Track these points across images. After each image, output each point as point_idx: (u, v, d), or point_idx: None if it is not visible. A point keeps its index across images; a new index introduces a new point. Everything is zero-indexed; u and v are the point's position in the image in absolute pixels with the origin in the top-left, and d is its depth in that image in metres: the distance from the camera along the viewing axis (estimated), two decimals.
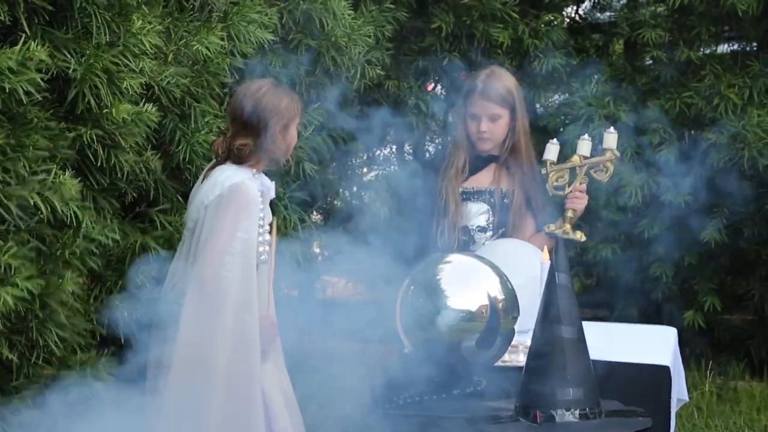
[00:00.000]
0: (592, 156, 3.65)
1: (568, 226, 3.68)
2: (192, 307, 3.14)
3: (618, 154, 3.63)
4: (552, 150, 3.69)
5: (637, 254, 5.52)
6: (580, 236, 3.68)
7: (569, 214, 3.70)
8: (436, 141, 5.86)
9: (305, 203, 4.37)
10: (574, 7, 6.26)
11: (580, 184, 3.67)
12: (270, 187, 3.33)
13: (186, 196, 3.66)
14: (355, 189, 5.55)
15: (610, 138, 3.63)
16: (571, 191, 3.67)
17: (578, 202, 3.70)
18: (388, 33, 4.96)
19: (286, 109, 3.27)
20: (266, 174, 3.35)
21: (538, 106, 5.79)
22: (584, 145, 3.67)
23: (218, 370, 3.14)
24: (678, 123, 5.44)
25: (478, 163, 3.98)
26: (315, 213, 5.10)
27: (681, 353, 3.80)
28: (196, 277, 3.14)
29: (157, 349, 3.20)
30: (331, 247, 5.04)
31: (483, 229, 3.94)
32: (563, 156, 3.73)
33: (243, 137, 3.23)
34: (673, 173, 5.25)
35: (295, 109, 3.31)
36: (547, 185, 3.68)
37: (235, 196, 3.18)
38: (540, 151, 3.77)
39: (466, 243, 3.95)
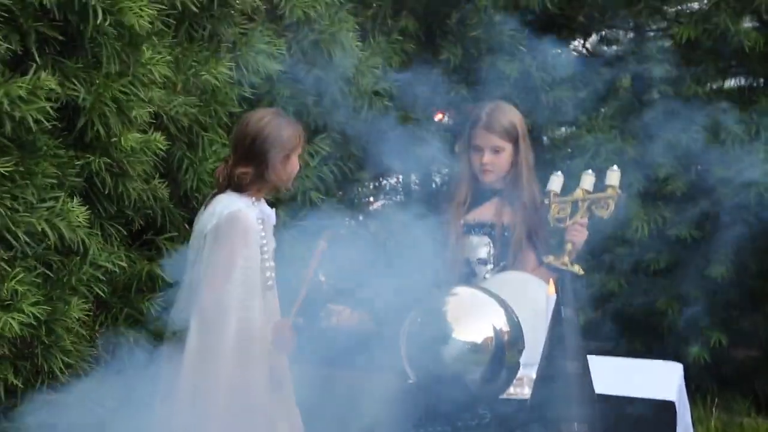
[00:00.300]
0: (595, 191, 3.67)
1: (566, 259, 3.69)
2: (194, 336, 3.14)
3: (620, 192, 3.65)
4: (555, 181, 3.71)
5: (643, 288, 5.51)
6: (578, 269, 3.68)
7: (568, 246, 3.71)
8: (443, 172, 5.87)
9: (310, 232, 4.38)
10: (581, 41, 6.29)
11: (582, 217, 3.68)
12: (270, 214, 3.34)
13: (192, 224, 3.68)
14: (361, 218, 5.55)
15: (613, 175, 3.65)
16: (571, 224, 3.69)
17: (578, 236, 3.71)
18: (395, 64, 4.98)
19: (288, 140, 3.30)
20: (267, 201, 3.37)
21: (544, 138, 5.80)
22: (587, 180, 3.69)
23: (219, 400, 3.14)
24: (684, 157, 5.44)
25: (480, 196, 3.99)
26: (322, 242, 5.10)
27: (686, 388, 3.78)
28: (197, 306, 3.15)
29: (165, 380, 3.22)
30: (336, 276, 5.03)
31: (484, 262, 3.94)
32: (567, 189, 3.74)
33: (244, 166, 3.25)
34: (679, 207, 5.25)
35: (296, 140, 3.33)
36: (549, 216, 3.70)
37: (233, 224, 3.19)
38: (545, 184, 3.79)
39: (467, 275, 3.95)
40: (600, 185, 3.72)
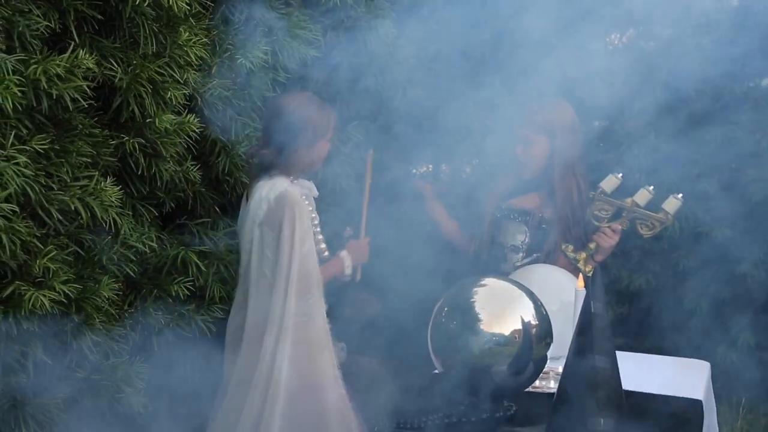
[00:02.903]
0: (648, 208, 3.67)
1: (583, 255, 3.69)
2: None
3: (672, 220, 3.64)
4: (611, 181, 3.71)
5: (672, 286, 5.47)
6: (589, 270, 3.68)
7: (591, 245, 3.71)
8: (474, 162, 5.84)
9: (339, 217, 4.38)
10: (619, 35, 6.22)
11: (618, 224, 3.69)
12: (311, 186, 3.44)
13: (224, 208, 3.70)
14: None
15: (674, 203, 3.65)
16: (604, 227, 3.69)
17: (604, 239, 3.71)
18: (430, 53, 4.96)
19: (316, 124, 3.36)
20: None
21: None
22: (643, 195, 3.69)
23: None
24: (718, 155, 5.39)
25: (527, 185, 4.00)
26: (349, 228, 5.10)
27: (712, 388, 3.76)
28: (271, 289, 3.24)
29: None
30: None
31: (517, 249, 3.95)
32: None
33: (268, 148, 3.35)
34: (711, 205, 5.21)
35: (324, 124, 3.39)
36: (588, 210, 3.70)
37: (282, 205, 3.28)
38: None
39: (497, 259, 3.96)
40: (655, 204, 3.69)
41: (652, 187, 3.72)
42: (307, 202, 3.39)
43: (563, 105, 4.01)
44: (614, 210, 3.71)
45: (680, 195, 3.70)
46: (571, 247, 3.74)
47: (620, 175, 3.74)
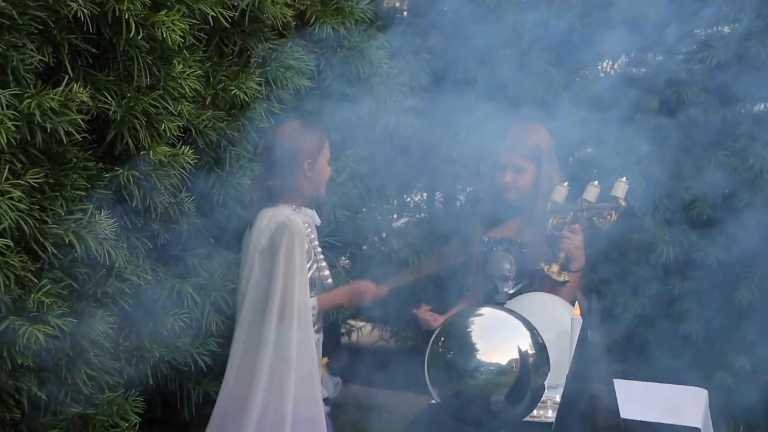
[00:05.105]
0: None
1: (555, 267, 3.70)
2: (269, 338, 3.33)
3: (624, 204, 3.64)
4: (560, 192, 3.73)
5: (667, 312, 5.46)
6: (563, 277, 3.68)
7: (561, 255, 3.71)
8: (468, 189, 5.86)
9: (335, 248, 4.37)
10: (609, 61, 6.25)
11: (573, 225, 3.70)
12: (313, 214, 3.47)
13: (219, 240, 3.70)
14: (384, 235, 5.55)
15: (620, 186, 3.66)
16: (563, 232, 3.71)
17: (566, 242, 3.71)
18: (423, 82, 4.98)
19: (310, 148, 3.42)
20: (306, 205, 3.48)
21: (570, 159, 5.77)
22: (590, 191, 3.71)
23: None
24: (712, 181, 5.40)
25: (506, 213, 4.00)
26: (344, 258, 5.11)
27: (710, 414, 3.75)
28: (267, 313, 3.29)
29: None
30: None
31: (505, 279, 3.94)
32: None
33: (273, 178, 3.39)
34: (706, 232, 5.21)
35: (318, 147, 3.44)
36: (548, 226, 3.72)
37: (284, 233, 3.32)
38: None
39: (489, 291, 3.95)
40: (607, 197, 3.71)
41: (597, 182, 3.74)
42: (309, 230, 3.42)
43: (543, 128, 4.03)
44: (570, 216, 3.72)
45: (624, 178, 3.71)
46: (543, 264, 3.75)
47: (566, 183, 3.76)
